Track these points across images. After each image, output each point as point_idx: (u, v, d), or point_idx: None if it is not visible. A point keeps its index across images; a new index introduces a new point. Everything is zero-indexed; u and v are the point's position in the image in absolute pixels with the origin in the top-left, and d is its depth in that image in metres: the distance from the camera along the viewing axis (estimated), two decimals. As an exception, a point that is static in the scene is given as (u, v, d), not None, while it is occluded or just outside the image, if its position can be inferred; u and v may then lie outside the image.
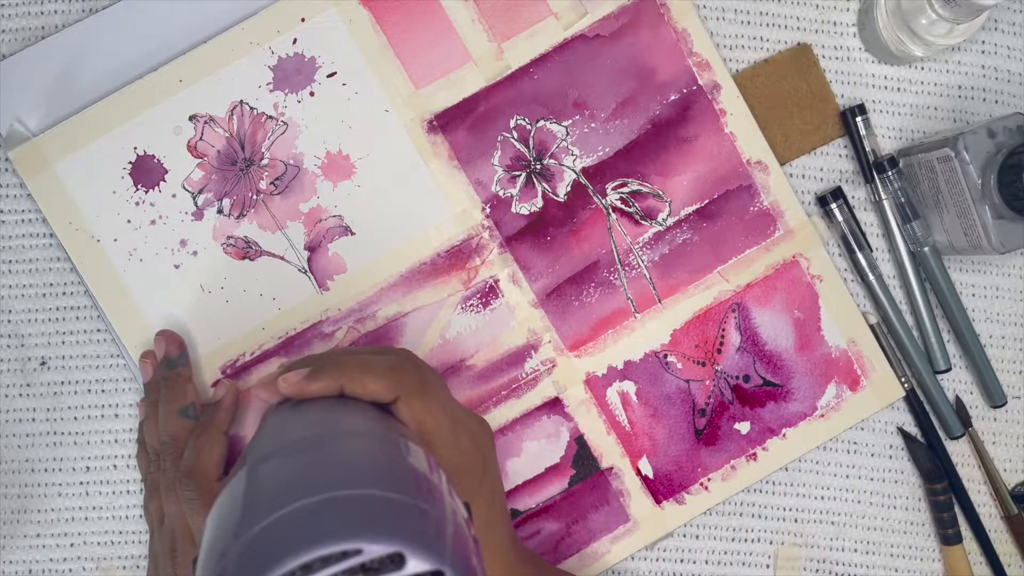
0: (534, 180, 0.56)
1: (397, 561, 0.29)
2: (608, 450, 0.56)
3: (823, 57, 0.56)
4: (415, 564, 0.29)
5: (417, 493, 0.32)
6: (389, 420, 0.41)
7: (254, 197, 0.55)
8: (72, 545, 0.56)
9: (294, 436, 0.36)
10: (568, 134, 0.55)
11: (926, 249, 0.56)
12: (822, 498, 0.58)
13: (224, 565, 0.30)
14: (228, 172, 0.55)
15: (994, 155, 0.50)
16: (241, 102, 0.54)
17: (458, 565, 0.30)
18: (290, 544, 0.29)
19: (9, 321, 0.56)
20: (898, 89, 0.57)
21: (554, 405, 0.56)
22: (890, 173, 0.55)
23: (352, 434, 0.37)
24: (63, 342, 0.56)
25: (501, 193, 0.55)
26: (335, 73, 0.55)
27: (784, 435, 0.57)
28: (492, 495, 0.46)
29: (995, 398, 0.57)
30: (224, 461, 0.50)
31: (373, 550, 0.29)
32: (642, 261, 0.56)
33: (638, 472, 0.56)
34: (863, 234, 0.57)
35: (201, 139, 0.54)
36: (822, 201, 0.56)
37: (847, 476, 0.58)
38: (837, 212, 0.56)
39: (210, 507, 0.46)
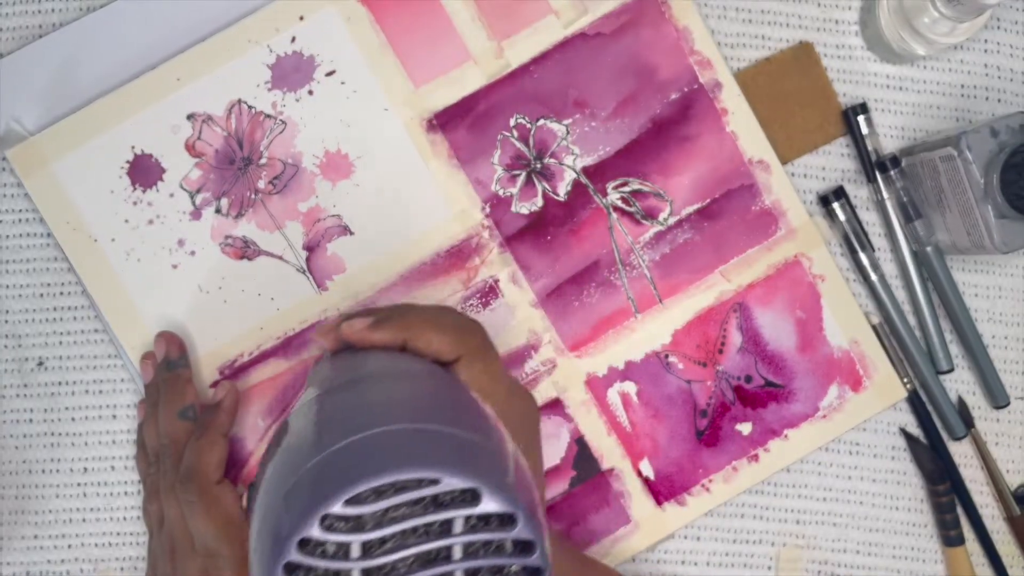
0: (534, 179, 0.55)
1: (470, 499, 0.29)
2: (609, 451, 0.56)
3: (825, 56, 0.56)
4: (488, 503, 0.29)
5: (490, 438, 0.32)
6: (452, 374, 0.41)
7: (252, 196, 0.54)
8: (70, 546, 0.56)
9: (366, 370, 0.36)
10: (568, 133, 0.55)
11: (928, 249, 0.56)
12: (824, 499, 0.57)
13: (297, 481, 0.30)
14: (226, 171, 0.54)
15: (997, 154, 0.50)
16: (239, 101, 0.54)
17: (529, 510, 0.30)
18: (369, 466, 0.29)
19: (6, 321, 0.55)
20: (900, 88, 0.57)
21: (554, 406, 0.56)
22: (892, 172, 0.55)
23: (428, 375, 0.36)
24: (61, 342, 0.55)
25: (501, 192, 0.55)
26: (334, 72, 0.54)
27: (786, 436, 0.56)
28: (541, 459, 0.47)
29: (998, 399, 0.57)
30: (224, 463, 0.50)
31: (451, 483, 0.28)
32: (643, 261, 0.56)
33: (639, 473, 0.56)
34: (865, 234, 0.56)
35: (199, 138, 0.54)
36: (824, 200, 0.56)
37: (849, 477, 0.57)
38: (839, 211, 0.56)
39: (210, 510, 0.46)
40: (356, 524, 0.28)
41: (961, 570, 0.57)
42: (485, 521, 0.29)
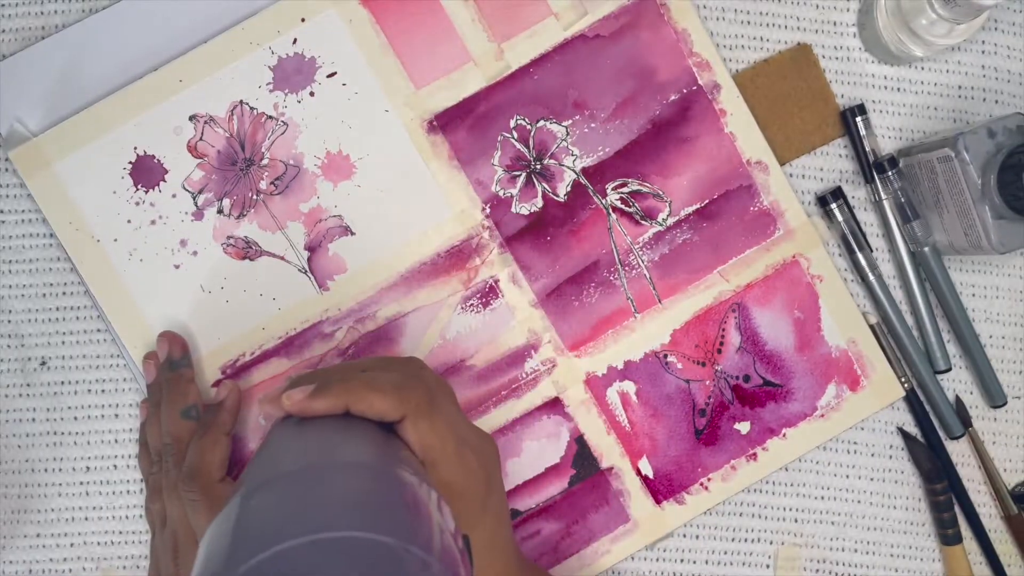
0: (534, 180, 0.56)
1: None
2: (608, 450, 0.56)
3: (823, 57, 0.56)
4: None
5: (408, 535, 0.31)
6: (391, 443, 0.40)
7: (254, 197, 0.55)
8: (72, 545, 0.56)
9: (288, 464, 0.36)
10: (568, 134, 0.55)
11: (926, 249, 0.56)
12: (822, 498, 0.58)
13: None
14: (228, 172, 0.55)
15: (994, 155, 0.50)
16: (241, 102, 0.54)
17: None
18: None
19: (9, 321, 0.56)
20: (898, 89, 0.57)
21: (554, 405, 0.56)
22: (890, 173, 0.55)
23: (348, 467, 0.36)
24: (63, 342, 0.56)
25: (501, 193, 0.55)
26: (335, 73, 0.55)
27: (784, 435, 0.57)
28: (497, 515, 0.46)
29: (995, 398, 0.57)
30: (227, 462, 0.50)
31: None
32: (642, 261, 0.56)
33: (638, 472, 0.56)
34: (863, 234, 0.57)
35: (201, 139, 0.54)
36: (822, 201, 0.56)
37: (847, 476, 0.58)
38: (837, 212, 0.56)
39: (212, 509, 0.46)
40: None
41: (959, 569, 0.57)
42: None
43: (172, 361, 0.53)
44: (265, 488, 0.34)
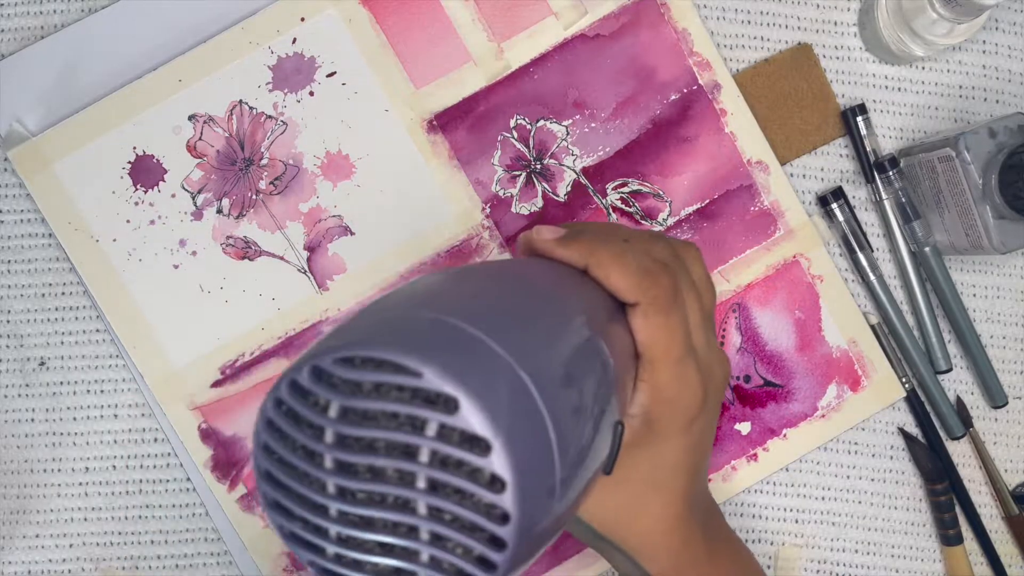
0: (534, 180, 0.56)
1: (450, 407, 0.26)
2: (608, 450, 0.56)
3: (824, 57, 0.56)
4: (465, 419, 0.26)
5: (539, 372, 0.28)
6: (612, 319, 0.37)
7: (253, 197, 0.55)
8: (71, 546, 0.56)
9: (490, 268, 0.34)
10: (568, 134, 0.55)
11: (927, 249, 0.56)
12: (823, 499, 0.58)
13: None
14: (227, 172, 0.54)
15: (995, 155, 0.50)
16: (240, 102, 0.54)
17: (521, 451, 0.26)
18: (366, 335, 0.27)
19: (8, 321, 0.56)
20: (899, 89, 0.57)
21: (554, 405, 0.56)
22: (891, 173, 0.55)
23: (542, 296, 0.33)
24: (62, 342, 0.55)
25: (501, 193, 0.55)
26: (335, 73, 0.54)
27: (785, 435, 0.56)
28: (696, 441, 0.41)
29: (996, 398, 0.57)
30: None
31: (431, 382, 0.26)
32: (642, 261, 0.56)
33: (638, 472, 0.56)
34: (864, 234, 0.56)
35: (200, 139, 0.54)
36: (823, 201, 0.56)
37: (848, 476, 0.58)
38: (838, 212, 0.56)
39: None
40: (341, 386, 0.27)
41: (959, 569, 0.57)
42: (466, 438, 0.26)
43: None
44: (449, 274, 0.33)
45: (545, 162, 0.56)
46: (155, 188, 0.54)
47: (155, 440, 0.56)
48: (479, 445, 0.26)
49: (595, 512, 0.40)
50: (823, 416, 0.56)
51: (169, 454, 0.56)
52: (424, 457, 0.26)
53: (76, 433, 0.56)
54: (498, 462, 0.26)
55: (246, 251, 0.55)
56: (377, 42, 0.54)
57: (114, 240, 0.54)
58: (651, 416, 0.38)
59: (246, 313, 0.55)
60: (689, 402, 0.39)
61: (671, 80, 0.55)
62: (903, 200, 0.56)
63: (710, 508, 0.45)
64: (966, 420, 0.57)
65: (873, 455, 0.58)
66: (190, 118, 0.54)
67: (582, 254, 0.38)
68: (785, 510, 0.58)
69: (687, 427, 0.40)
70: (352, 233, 0.55)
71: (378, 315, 0.29)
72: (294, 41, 0.54)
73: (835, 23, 0.56)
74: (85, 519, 0.56)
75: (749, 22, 0.56)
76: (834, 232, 0.57)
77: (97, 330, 0.55)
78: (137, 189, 0.54)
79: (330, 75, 0.54)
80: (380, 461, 0.26)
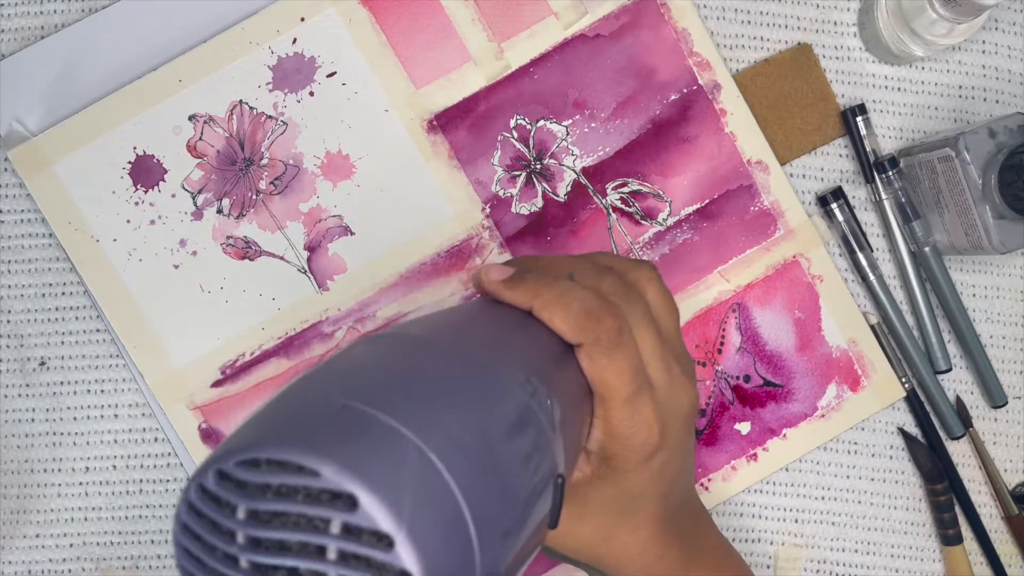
0: (534, 180, 0.56)
1: (349, 503, 0.25)
2: (608, 450, 0.56)
3: (823, 57, 0.56)
4: (373, 515, 0.25)
5: (454, 451, 0.27)
6: (558, 359, 0.37)
7: (254, 197, 0.55)
8: (71, 545, 0.56)
9: (422, 329, 0.33)
10: (568, 134, 0.55)
11: (927, 249, 0.56)
12: (822, 498, 0.58)
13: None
14: (228, 172, 0.54)
15: (995, 155, 0.50)
16: (241, 102, 0.54)
17: (428, 541, 0.26)
18: (264, 433, 0.27)
19: (8, 321, 0.56)
20: (898, 89, 0.57)
21: (554, 405, 0.56)
22: (890, 173, 0.55)
23: (473, 363, 0.32)
24: (62, 342, 0.56)
25: (501, 193, 0.55)
26: (335, 73, 0.54)
27: (784, 435, 0.56)
28: (659, 472, 0.41)
29: (996, 398, 0.57)
30: None
31: (330, 481, 0.25)
32: (642, 261, 0.56)
33: (638, 472, 0.56)
34: (863, 234, 0.57)
35: (200, 139, 0.54)
36: (822, 201, 0.56)
37: (847, 476, 0.58)
38: (837, 212, 0.56)
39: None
40: (249, 488, 0.27)
41: (959, 569, 0.57)
42: (372, 533, 0.26)
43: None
44: (369, 341, 0.32)
45: (545, 162, 0.56)
46: (155, 188, 0.54)
47: (155, 440, 0.56)
48: (384, 540, 0.26)
49: (564, 542, 0.40)
50: (823, 416, 0.56)
51: (169, 454, 0.56)
52: (332, 555, 0.26)
53: (76, 433, 0.56)
54: (404, 556, 0.25)
55: (246, 251, 0.55)
56: (377, 42, 0.54)
57: (114, 240, 0.54)
58: (606, 452, 0.39)
59: (246, 313, 0.55)
60: (644, 439, 0.39)
61: (671, 80, 0.55)
62: (903, 200, 0.56)
63: (694, 518, 0.45)
64: (966, 420, 0.57)
65: (873, 455, 0.58)
66: (190, 118, 0.54)
67: (527, 296, 0.38)
68: (785, 510, 0.58)
69: (645, 461, 0.40)
70: (352, 233, 0.55)
71: (290, 402, 0.29)
72: (294, 41, 0.54)
73: (835, 23, 0.56)
74: (85, 519, 0.56)
75: (749, 22, 0.56)
76: (834, 232, 0.57)
77: (97, 330, 0.55)
78: (137, 189, 0.54)
79: (330, 75, 0.54)
80: (290, 561, 0.26)
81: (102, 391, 0.56)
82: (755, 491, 0.57)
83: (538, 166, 0.56)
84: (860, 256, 0.56)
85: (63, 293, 0.55)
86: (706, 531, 0.45)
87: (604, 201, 0.56)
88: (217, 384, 0.55)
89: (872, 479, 0.58)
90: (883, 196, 0.56)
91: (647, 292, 0.40)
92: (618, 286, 0.39)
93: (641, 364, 0.38)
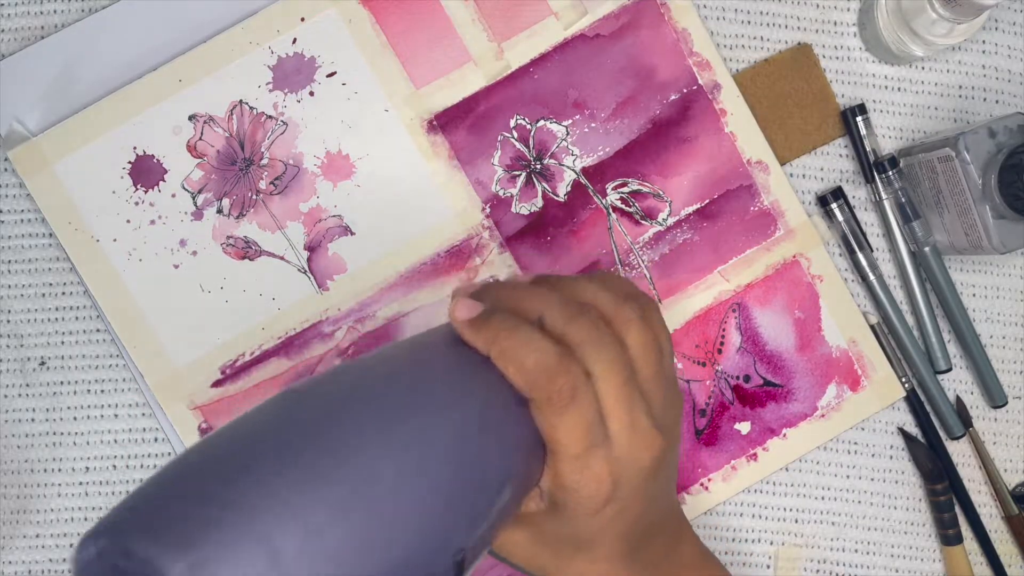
0: (534, 180, 0.56)
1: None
2: (608, 450, 0.56)
3: (823, 57, 0.56)
4: None
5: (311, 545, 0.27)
6: (509, 410, 0.36)
7: (254, 197, 0.55)
8: (71, 545, 0.56)
9: (377, 370, 0.33)
10: (568, 134, 0.55)
11: (927, 249, 0.56)
12: (822, 498, 0.58)
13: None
14: (228, 172, 0.54)
15: (995, 155, 0.50)
16: (241, 102, 0.54)
17: None
18: (132, 521, 0.27)
19: (8, 321, 0.56)
20: (898, 89, 0.57)
21: (554, 405, 0.56)
22: (890, 173, 0.55)
23: (383, 445, 0.31)
24: (62, 342, 0.56)
25: (501, 193, 0.55)
26: (335, 73, 0.54)
27: (784, 435, 0.56)
28: (613, 518, 0.40)
29: (996, 398, 0.57)
30: None
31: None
32: (642, 261, 0.56)
33: (638, 472, 0.56)
34: (863, 234, 0.57)
35: (200, 139, 0.54)
36: (822, 201, 0.56)
37: (847, 476, 0.58)
38: (837, 212, 0.56)
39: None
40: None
41: (959, 569, 0.57)
42: None
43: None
44: (304, 389, 0.32)
45: (545, 162, 0.56)
46: (155, 188, 0.54)
47: (155, 440, 0.56)
48: None
49: (524, 564, 0.40)
50: (823, 416, 0.56)
51: (169, 454, 0.56)
52: None
53: (76, 433, 0.56)
54: None
55: (246, 251, 0.55)
56: (377, 42, 0.54)
57: (114, 240, 0.54)
58: (555, 499, 0.38)
59: (246, 313, 0.55)
60: (593, 493, 0.37)
61: (671, 80, 0.55)
62: (903, 200, 0.56)
63: (669, 544, 0.43)
64: (966, 420, 0.57)
65: (873, 455, 0.58)
66: (190, 118, 0.54)
67: (486, 342, 0.36)
68: (785, 510, 0.58)
69: (595, 512, 0.38)
70: (352, 233, 0.55)
71: (170, 482, 0.29)
72: (294, 41, 0.54)
73: (835, 23, 0.57)
74: (85, 519, 0.56)
75: (749, 22, 0.56)
76: (834, 232, 0.57)
77: (97, 330, 0.55)
78: (137, 189, 0.54)
79: (330, 75, 0.54)
80: None
81: (102, 391, 0.56)
82: (755, 491, 0.57)
83: (538, 166, 0.56)
84: (860, 256, 0.56)
85: (63, 293, 0.55)
86: (685, 550, 0.44)
87: (604, 201, 0.56)
88: (217, 384, 0.55)
89: (872, 479, 0.58)
90: (883, 196, 0.56)
91: (628, 334, 0.38)
92: (590, 331, 0.37)
93: (597, 419, 0.37)
